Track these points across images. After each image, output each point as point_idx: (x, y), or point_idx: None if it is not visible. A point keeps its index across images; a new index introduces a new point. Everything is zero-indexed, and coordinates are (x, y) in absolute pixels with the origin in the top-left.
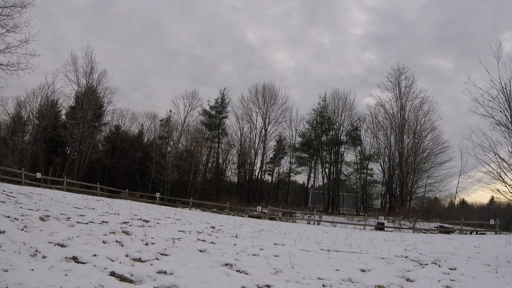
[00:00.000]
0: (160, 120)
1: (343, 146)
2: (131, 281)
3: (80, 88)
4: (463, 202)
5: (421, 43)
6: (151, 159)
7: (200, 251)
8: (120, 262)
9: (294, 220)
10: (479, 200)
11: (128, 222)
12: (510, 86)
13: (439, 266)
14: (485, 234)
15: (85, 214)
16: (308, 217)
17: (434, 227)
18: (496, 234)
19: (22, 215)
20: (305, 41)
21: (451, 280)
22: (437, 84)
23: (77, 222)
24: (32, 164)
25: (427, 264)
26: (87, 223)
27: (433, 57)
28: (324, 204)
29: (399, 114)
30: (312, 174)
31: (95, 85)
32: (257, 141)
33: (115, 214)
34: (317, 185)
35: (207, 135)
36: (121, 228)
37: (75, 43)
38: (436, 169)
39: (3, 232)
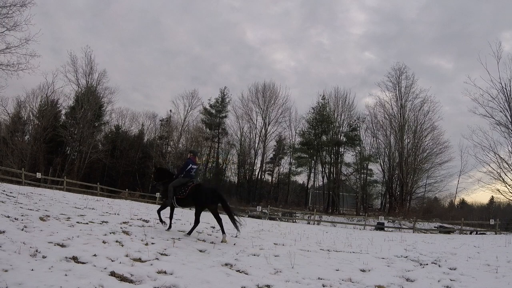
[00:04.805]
0: (160, 120)
1: (342, 146)
2: (131, 281)
3: (80, 88)
4: (463, 202)
5: (421, 43)
6: (151, 159)
7: (200, 251)
8: (120, 262)
9: (294, 220)
10: (479, 200)
11: (128, 222)
12: (510, 86)
13: (439, 266)
14: (485, 234)
15: (85, 214)
16: (308, 217)
17: (434, 227)
18: (496, 234)
19: (22, 215)
20: (305, 40)
21: (451, 280)
22: (437, 84)
23: (77, 222)
24: (32, 164)
25: (427, 264)
26: (87, 223)
27: (433, 56)
28: (324, 204)
29: (399, 114)
30: (312, 174)
31: (94, 85)
32: (257, 141)
33: (115, 214)
34: (317, 185)
35: (207, 134)
36: (121, 228)
37: (75, 43)
38: (436, 169)
39: (3, 232)
